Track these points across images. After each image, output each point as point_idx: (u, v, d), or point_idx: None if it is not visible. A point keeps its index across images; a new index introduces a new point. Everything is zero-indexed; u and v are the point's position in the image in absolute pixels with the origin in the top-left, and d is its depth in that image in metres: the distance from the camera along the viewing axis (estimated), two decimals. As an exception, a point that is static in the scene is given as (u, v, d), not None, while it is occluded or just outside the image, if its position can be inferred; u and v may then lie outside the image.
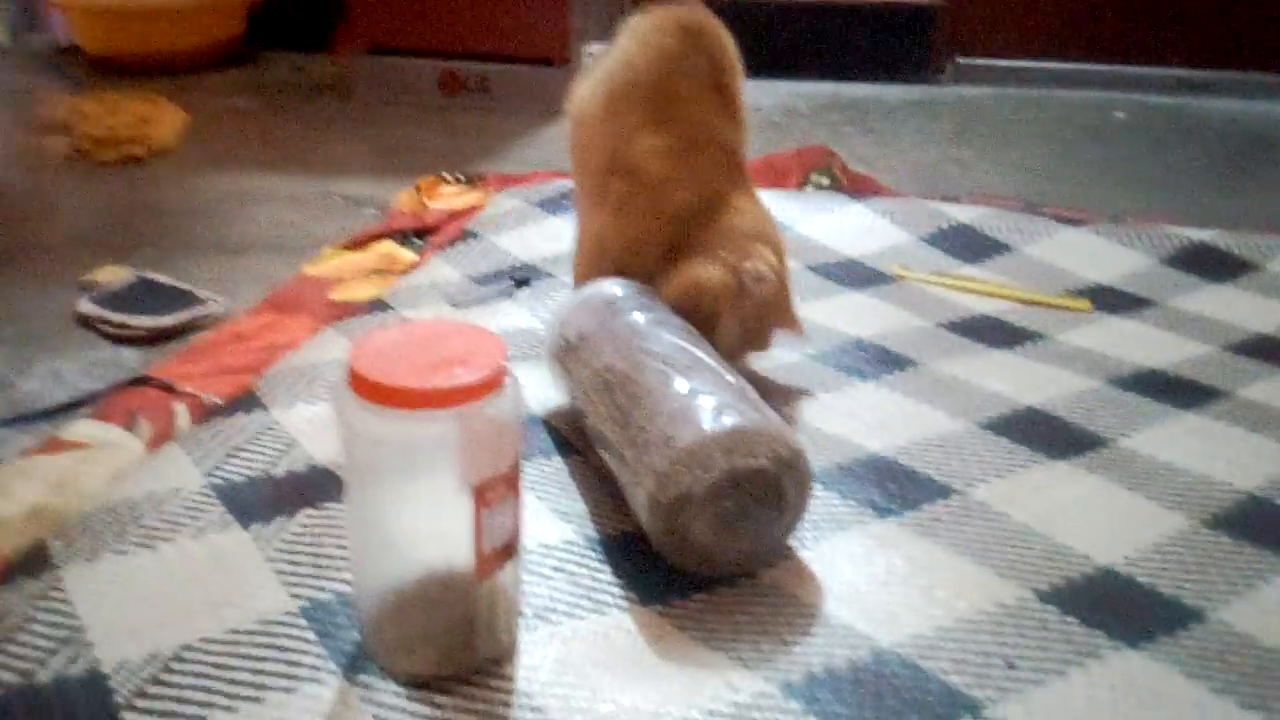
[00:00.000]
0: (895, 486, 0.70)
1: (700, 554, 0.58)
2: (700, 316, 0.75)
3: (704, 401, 0.60)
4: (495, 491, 0.48)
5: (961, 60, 2.34)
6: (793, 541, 0.63)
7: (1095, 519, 0.67)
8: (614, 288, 0.75)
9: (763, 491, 0.58)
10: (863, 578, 0.60)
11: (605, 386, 0.66)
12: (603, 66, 0.83)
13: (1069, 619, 0.57)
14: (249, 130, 1.81)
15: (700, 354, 0.66)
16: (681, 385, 0.62)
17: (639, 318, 0.71)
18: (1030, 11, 2.30)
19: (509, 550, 0.51)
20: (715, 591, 0.59)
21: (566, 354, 0.73)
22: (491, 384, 0.47)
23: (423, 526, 0.50)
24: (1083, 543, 0.64)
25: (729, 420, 0.57)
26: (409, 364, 0.47)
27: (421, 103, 2.00)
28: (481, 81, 2.01)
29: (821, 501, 0.68)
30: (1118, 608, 0.58)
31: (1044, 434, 0.77)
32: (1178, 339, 0.94)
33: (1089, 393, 0.83)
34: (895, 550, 0.63)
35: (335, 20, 2.32)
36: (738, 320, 0.77)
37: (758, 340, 0.80)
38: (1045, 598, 0.59)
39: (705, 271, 0.76)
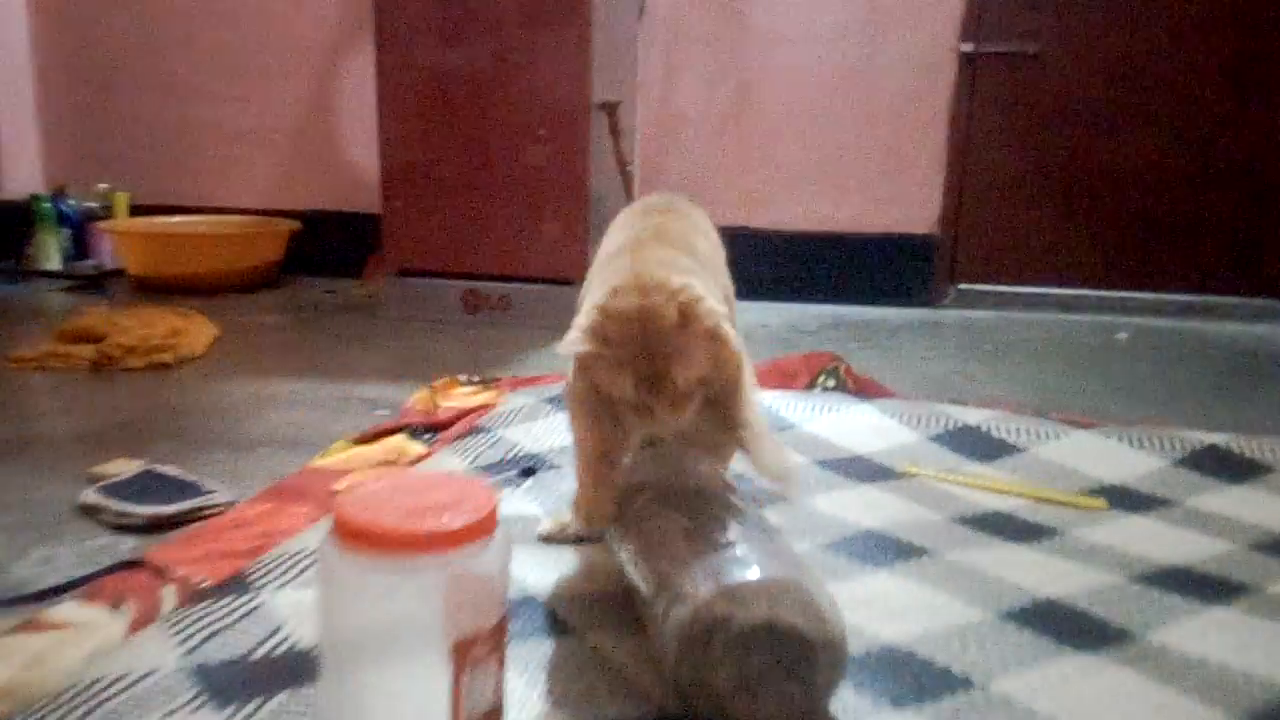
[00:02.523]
0: (912, 679, 0.65)
1: (717, 706, 0.55)
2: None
3: (759, 555, 0.59)
4: (478, 651, 0.46)
5: (963, 286, 2.44)
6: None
7: (1128, 715, 0.62)
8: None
9: (793, 658, 0.55)
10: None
11: (660, 531, 0.67)
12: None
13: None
14: (277, 343, 1.88)
15: (756, 520, 0.67)
16: (736, 537, 0.62)
17: (704, 480, 0.73)
18: (1029, 240, 2.41)
19: (491, 720, 0.48)
20: (717, 784, 0.54)
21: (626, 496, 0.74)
22: (479, 530, 0.46)
23: (400, 695, 0.47)
24: (1116, 738, 0.59)
25: (781, 572, 0.56)
26: (395, 510, 0.46)
27: (445, 319, 2.08)
28: (502, 300, 2.10)
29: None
30: (1160, 808, 0.53)
31: (1067, 627, 0.73)
32: (1198, 536, 0.91)
33: (1111, 587, 0.80)
34: (911, 743, 0.58)
35: (368, 249, 2.47)
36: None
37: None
38: (1079, 796, 0.54)
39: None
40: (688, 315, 0.68)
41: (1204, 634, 0.72)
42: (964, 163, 2.40)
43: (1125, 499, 1.00)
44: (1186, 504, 0.99)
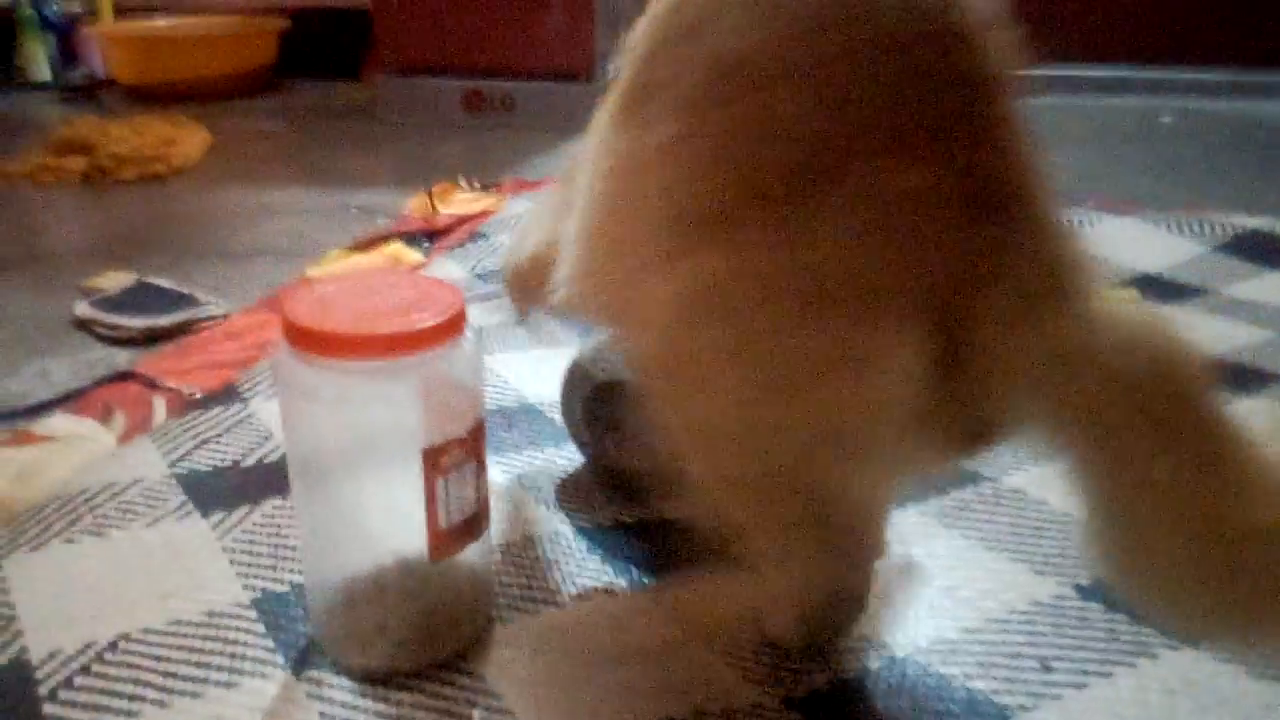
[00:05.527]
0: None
1: (581, 443, 0.63)
2: None
3: None
4: (451, 457, 0.43)
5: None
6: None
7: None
8: None
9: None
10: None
11: None
12: None
13: (1115, 615, 0.50)
14: (272, 150, 1.80)
15: None
16: None
17: None
18: (1072, 17, 2.23)
19: (472, 528, 0.46)
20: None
21: None
22: (449, 331, 0.42)
23: (374, 503, 0.45)
24: (1132, 532, 0.57)
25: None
26: (353, 311, 0.42)
27: (446, 121, 1.98)
28: (506, 99, 1.99)
29: (836, 490, 0.61)
30: (1173, 601, 0.51)
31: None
32: (1234, 324, 0.86)
33: (1137, 380, 0.76)
34: (915, 544, 0.56)
35: (364, 48, 2.33)
36: None
37: None
38: (1087, 594, 0.52)
39: None
40: None
41: (1232, 426, 0.69)
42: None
43: (1157, 289, 0.95)
44: (1224, 291, 0.94)
